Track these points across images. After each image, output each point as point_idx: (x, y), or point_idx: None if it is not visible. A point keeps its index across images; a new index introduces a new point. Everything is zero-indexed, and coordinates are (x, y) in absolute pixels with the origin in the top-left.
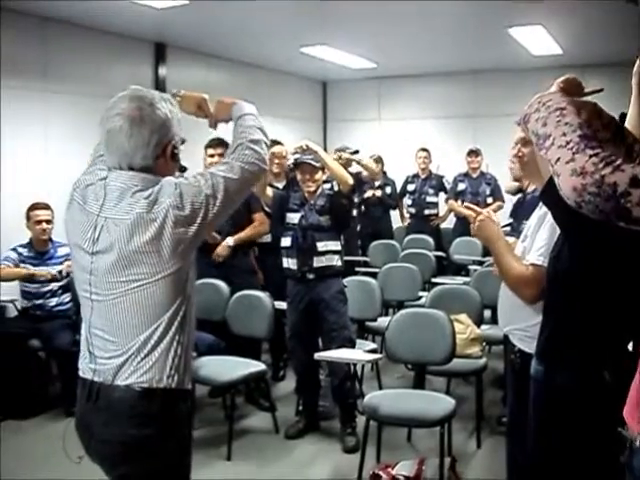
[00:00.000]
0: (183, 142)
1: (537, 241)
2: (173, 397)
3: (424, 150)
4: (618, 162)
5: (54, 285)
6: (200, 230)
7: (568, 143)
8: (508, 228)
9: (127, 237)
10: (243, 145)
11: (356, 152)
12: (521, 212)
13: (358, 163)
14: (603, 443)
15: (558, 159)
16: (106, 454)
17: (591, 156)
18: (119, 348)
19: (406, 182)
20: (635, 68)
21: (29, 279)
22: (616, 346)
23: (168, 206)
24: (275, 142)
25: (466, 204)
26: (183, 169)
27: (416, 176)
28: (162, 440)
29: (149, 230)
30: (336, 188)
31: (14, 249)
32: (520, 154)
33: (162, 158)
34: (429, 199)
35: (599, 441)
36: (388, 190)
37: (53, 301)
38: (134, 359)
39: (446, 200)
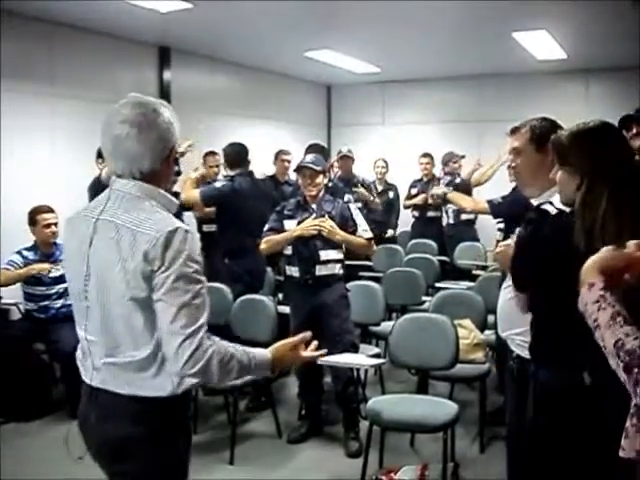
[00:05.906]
0: (190, 146)
1: None
2: (165, 404)
3: (426, 155)
4: None
5: (60, 287)
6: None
7: None
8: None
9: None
10: (227, 353)
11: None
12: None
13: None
14: (588, 443)
15: None
16: (101, 452)
17: None
18: (110, 354)
19: (410, 187)
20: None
21: (34, 281)
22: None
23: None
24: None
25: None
26: (178, 173)
27: (419, 180)
28: (151, 442)
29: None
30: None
31: (19, 252)
32: (514, 164)
33: (166, 162)
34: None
35: (584, 441)
36: (391, 195)
37: (58, 303)
38: (126, 369)
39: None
